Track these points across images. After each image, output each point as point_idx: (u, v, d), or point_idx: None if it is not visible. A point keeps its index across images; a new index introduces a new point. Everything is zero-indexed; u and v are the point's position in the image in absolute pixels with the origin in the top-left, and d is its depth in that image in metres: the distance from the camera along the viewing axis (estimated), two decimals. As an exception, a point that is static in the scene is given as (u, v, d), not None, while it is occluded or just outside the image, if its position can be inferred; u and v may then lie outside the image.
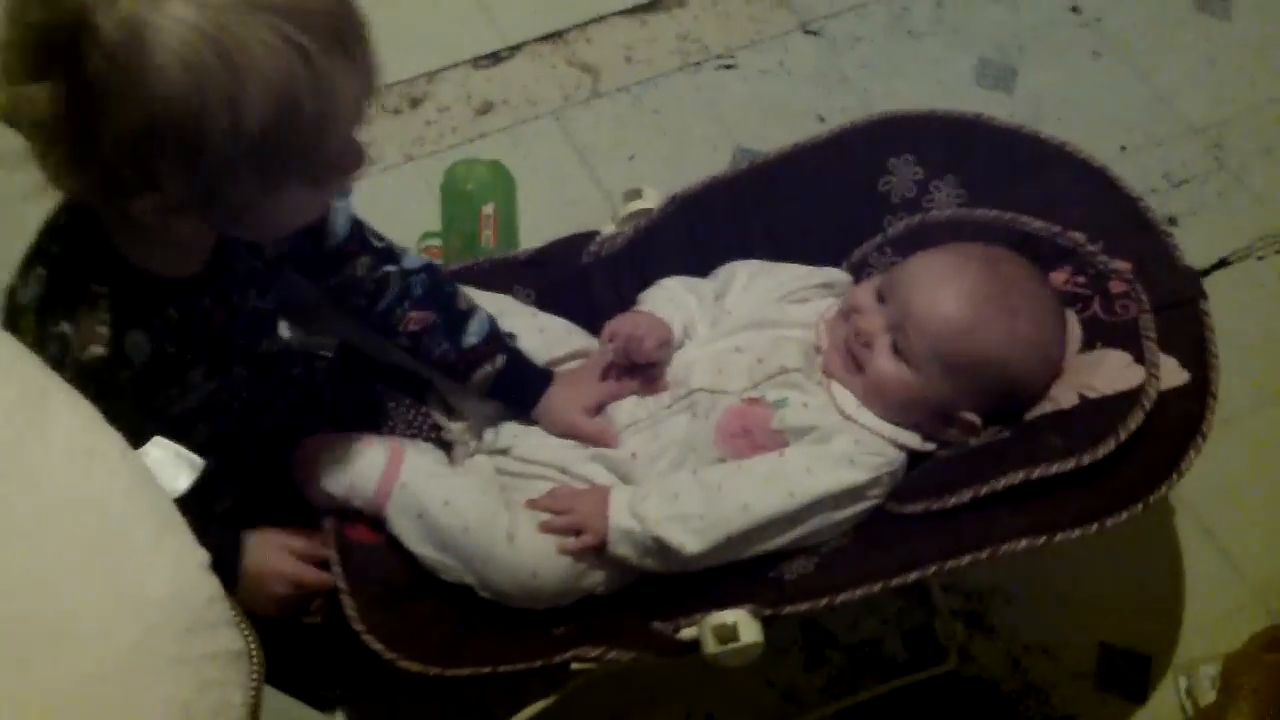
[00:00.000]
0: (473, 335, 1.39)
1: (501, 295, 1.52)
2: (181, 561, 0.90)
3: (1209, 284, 1.38)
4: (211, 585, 0.90)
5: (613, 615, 1.35)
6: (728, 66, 2.13)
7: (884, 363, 1.35)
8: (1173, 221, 1.95)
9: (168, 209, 1.00)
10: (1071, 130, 1.97)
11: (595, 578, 1.34)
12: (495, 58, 2.12)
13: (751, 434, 1.35)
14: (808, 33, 2.17)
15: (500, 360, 1.41)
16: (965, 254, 1.37)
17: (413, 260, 1.39)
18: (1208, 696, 1.53)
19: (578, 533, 1.32)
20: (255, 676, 0.92)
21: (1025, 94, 2.11)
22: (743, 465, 1.32)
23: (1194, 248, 1.43)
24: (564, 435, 1.42)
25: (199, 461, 1.02)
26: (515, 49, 2.13)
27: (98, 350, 1.08)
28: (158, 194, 0.98)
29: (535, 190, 1.96)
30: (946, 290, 1.33)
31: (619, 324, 1.43)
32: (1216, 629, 1.62)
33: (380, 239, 1.37)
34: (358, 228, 1.35)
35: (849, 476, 1.30)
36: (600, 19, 2.17)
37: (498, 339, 1.41)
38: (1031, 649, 1.62)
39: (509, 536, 1.31)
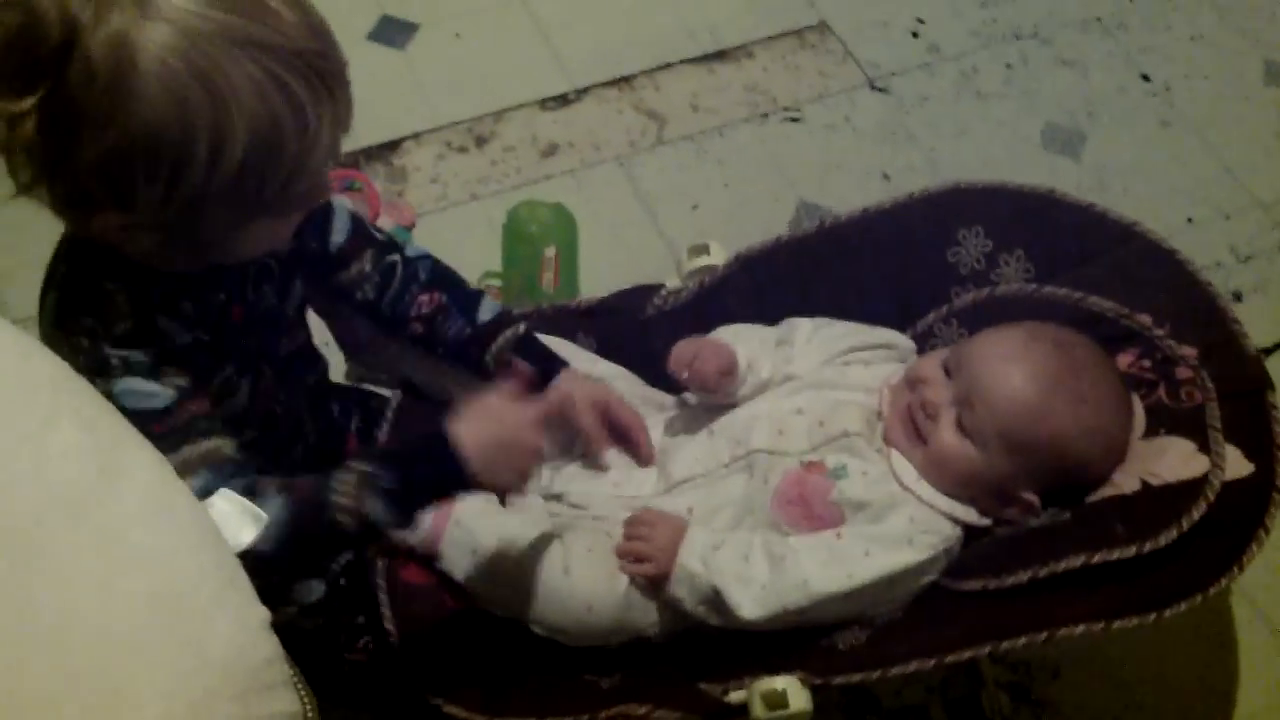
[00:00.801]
0: (487, 312, 1.39)
1: (563, 340, 1.52)
2: (243, 621, 0.90)
3: (1270, 363, 1.37)
4: (271, 645, 0.91)
5: (661, 672, 1.35)
6: (794, 120, 2.13)
7: (948, 436, 1.34)
8: (1237, 297, 1.94)
9: (130, 226, 1.00)
10: (1138, 200, 2.01)
11: (649, 618, 1.34)
12: (563, 100, 2.13)
13: (809, 503, 1.34)
14: (875, 89, 2.17)
15: (520, 327, 1.40)
16: (1037, 334, 1.37)
17: (414, 249, 1.39)
18: (1258, 790, 1.51)
19: (642, 560, 1.32)
20: None
21: (1092, 160, 2.10)
22: (805, 544, 1.32)
23: (1257, 324, 1.43)
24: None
25: (263, 515, 1.03)
26: (582, 92, 2.14)
27: (124, 326, 1.08)
28: (126, 214, 0.99)
29: (596, 235, 1.96)
30: (1017, 370, 1.33)
31: (686, 345, 1.43)
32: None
33: (380, 231, 1.38)
34: (358, 223, 1.35)
35: (906, 558, 1.30)
36: (668, 66, 2.18)
37: (513, 316, 1.41)
38: (1078, 730, 1.61)
39: (565, 569, 1.32)
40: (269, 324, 1.27)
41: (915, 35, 2.24)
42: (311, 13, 1.00)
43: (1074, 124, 2.14)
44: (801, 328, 1.50)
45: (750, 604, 1.28)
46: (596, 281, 1.84)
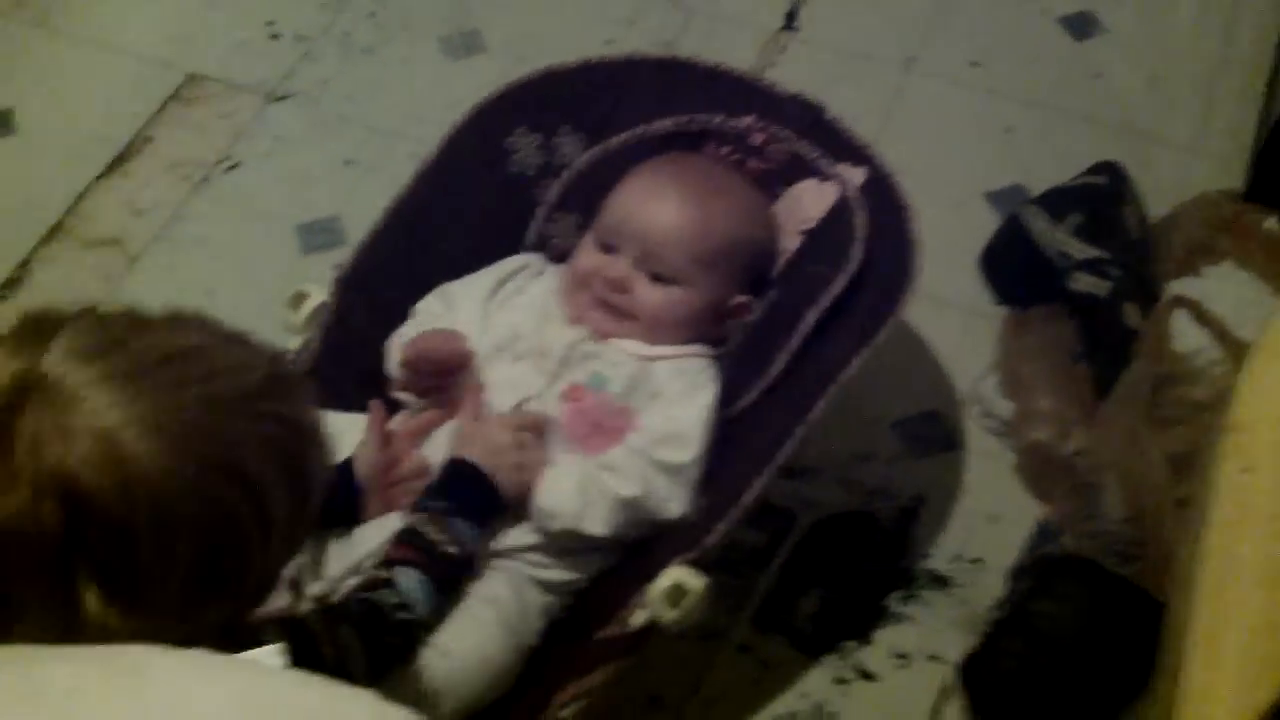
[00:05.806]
0: None
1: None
2: None
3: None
4: None
5: (559, 653, 1.35)
6: (233, 167, 2.09)
7: (651, 295, 1.40)
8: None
9: None
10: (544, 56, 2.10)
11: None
12: (12, 284, 1.98)
13: (601, 425, 1.37)
14: (279, 99, 2.16)
15: None
16: (658, 169, 1.46)
17: None
18: (1001, 405, 1.69)
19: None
20: None
21: (498, 43, 2.20)
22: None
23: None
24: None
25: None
26: (24, 265, 1.99)
27: None
28: None
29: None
30: (669, 204, 1.40)
31: (413, 344, 1.42)
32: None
33: None
34: None
35: (705, 397, 1.38)
36: (84, 194, 2.07)
37: None
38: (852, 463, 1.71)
39: (442, 654, 1.25)
40: None
41: (276, 37, 2.24)
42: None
43: (464, 26, 2.23)
44: (432, 303, 1.50)
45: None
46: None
